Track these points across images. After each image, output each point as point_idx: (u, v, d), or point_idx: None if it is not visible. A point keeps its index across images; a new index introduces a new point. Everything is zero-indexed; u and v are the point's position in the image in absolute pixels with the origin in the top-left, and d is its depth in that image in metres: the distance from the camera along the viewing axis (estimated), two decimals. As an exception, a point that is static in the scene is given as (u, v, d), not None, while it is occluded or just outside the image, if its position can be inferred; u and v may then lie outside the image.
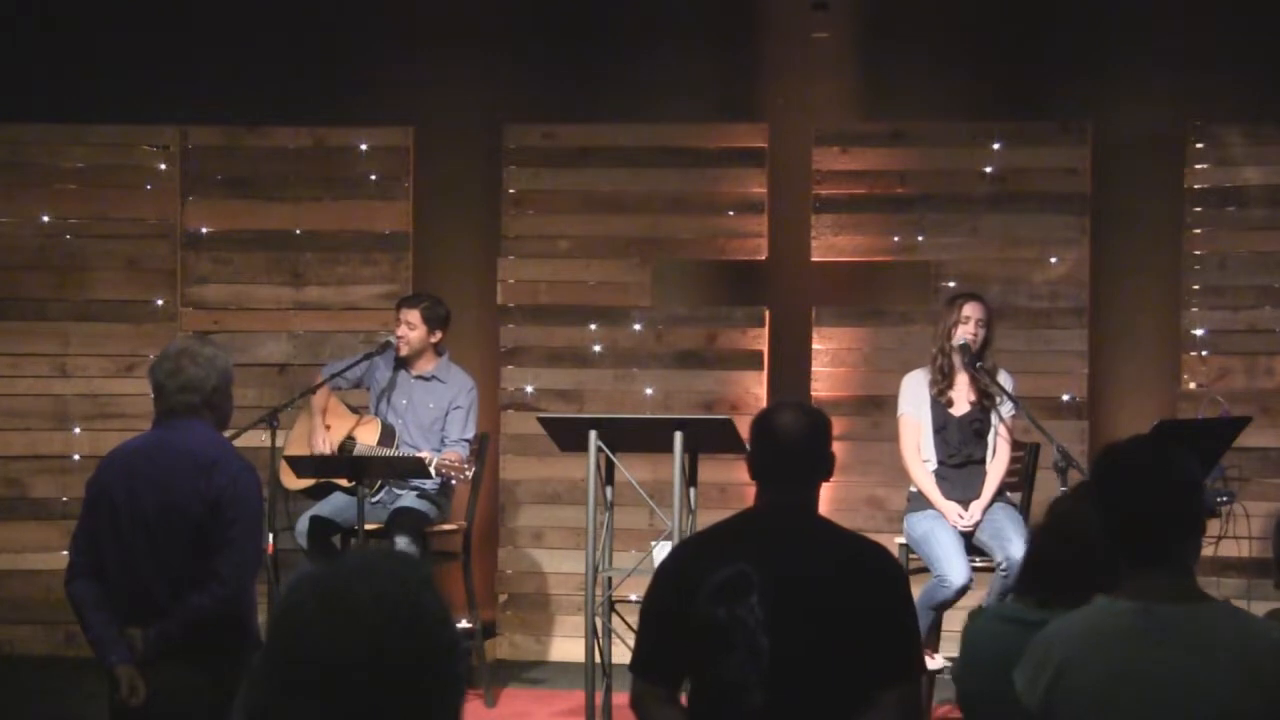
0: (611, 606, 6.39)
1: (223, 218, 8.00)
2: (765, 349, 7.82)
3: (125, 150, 8.02)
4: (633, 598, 6.52)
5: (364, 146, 7.98)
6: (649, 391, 7.85)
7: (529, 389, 7.90)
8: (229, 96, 8.00)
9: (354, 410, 7.14)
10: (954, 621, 6.86)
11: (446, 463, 6.55)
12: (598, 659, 6.20)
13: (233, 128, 7.99)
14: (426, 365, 7.08)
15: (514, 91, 8.04)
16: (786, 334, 7.83)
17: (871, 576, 3.73)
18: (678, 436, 6.03)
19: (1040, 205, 7.67)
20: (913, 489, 6.61)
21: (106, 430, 7.72)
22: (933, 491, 6.49)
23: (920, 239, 7.74)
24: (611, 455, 6.20)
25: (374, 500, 6.82)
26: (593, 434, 6.09)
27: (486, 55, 8.07)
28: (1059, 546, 3.54)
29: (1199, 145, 7.59)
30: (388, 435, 6.96)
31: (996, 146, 7.73)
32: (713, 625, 3.63)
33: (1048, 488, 6.54)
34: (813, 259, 7.80)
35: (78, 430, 7.96)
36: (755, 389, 7.78)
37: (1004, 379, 6.59)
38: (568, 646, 7.63)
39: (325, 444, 6.95)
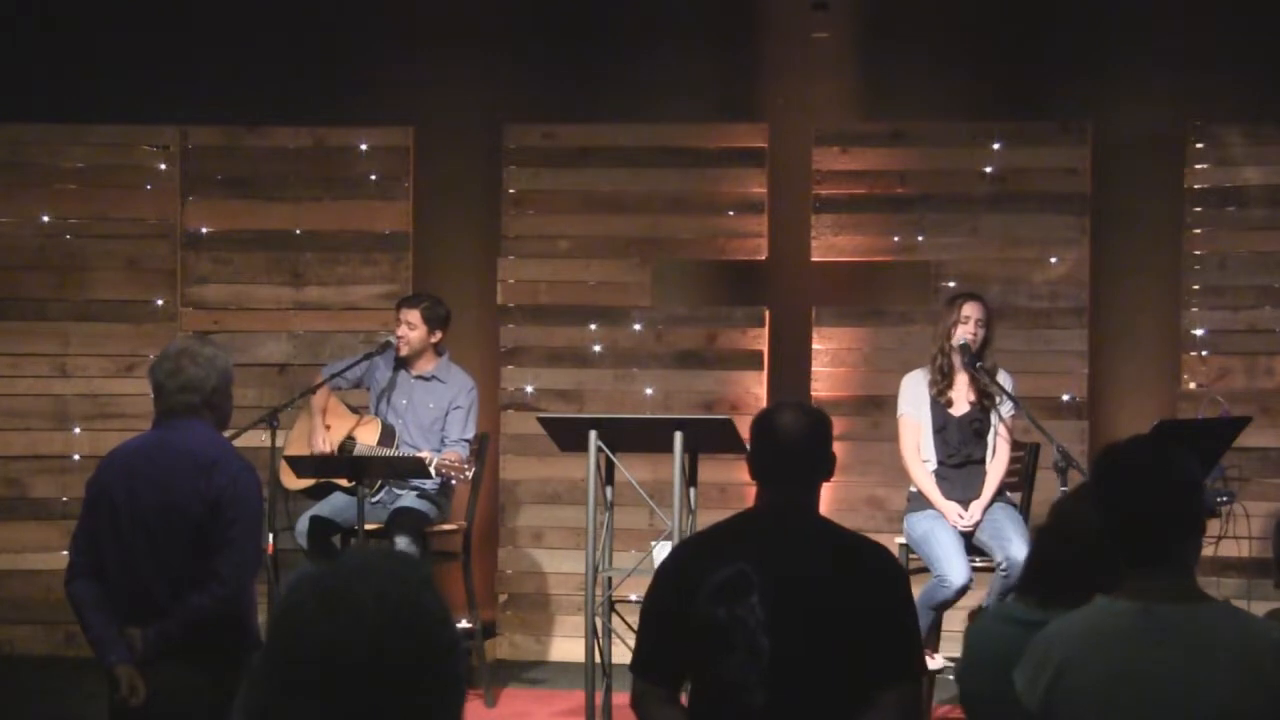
0: (611, 606, 6.39)
1: (223, 218, 8.00)
2: (765, 349, 7.82)
3: (125, 150, 8.02)
4: (633, 598, 6.52)
5: (364, 146, 7.98)
6: (649, 391, 7.85)
7: (529, 389, 7.90)
8: (229, 96, 8.00)
9: (354, 410, 7.14)
10: (954, 621, 6.87)
11: (446, 463, 6.55)
12: (598, 659, 6.20)
13: (233, 128, 7.99)
14: (426, 365, 7.08)
15: (514, 91, 8.04)
16: (786, 334, 7.83)
17: (872, 576, 3.73)
18: (678, 436, 6.03)
19: (1040, 205, 7.67)
20: (913, 489, 6.61)
21: (106, 430, 7.72)
22: (932, 491, 6.49)
23: (920, 239, 7.74)
24: (611, 455, 6.20)
25: (374, 500, 6.82)
26: (593, 434, 6.09)
27: (486, 55, 8.07)
28: (1061, 547, 3.54)
29: (1199, 145, 7.59)
30: (388, 435, 6.96)
31: (996, 146, 7.73)
32: (713, 625, 3.63)
33: (1048, 488, 6.54)
34: (813, 259, 7.80)
35: (78, 430, 7.96)
36: (755, 389, 7.78)
37: (1004, 379, 6.60)
38: (568, 646, 7.63)
39: (325, 444, 6.95)
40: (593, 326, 7.89)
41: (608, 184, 7.91)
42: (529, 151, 7.94)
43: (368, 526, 6.58)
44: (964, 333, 6.54)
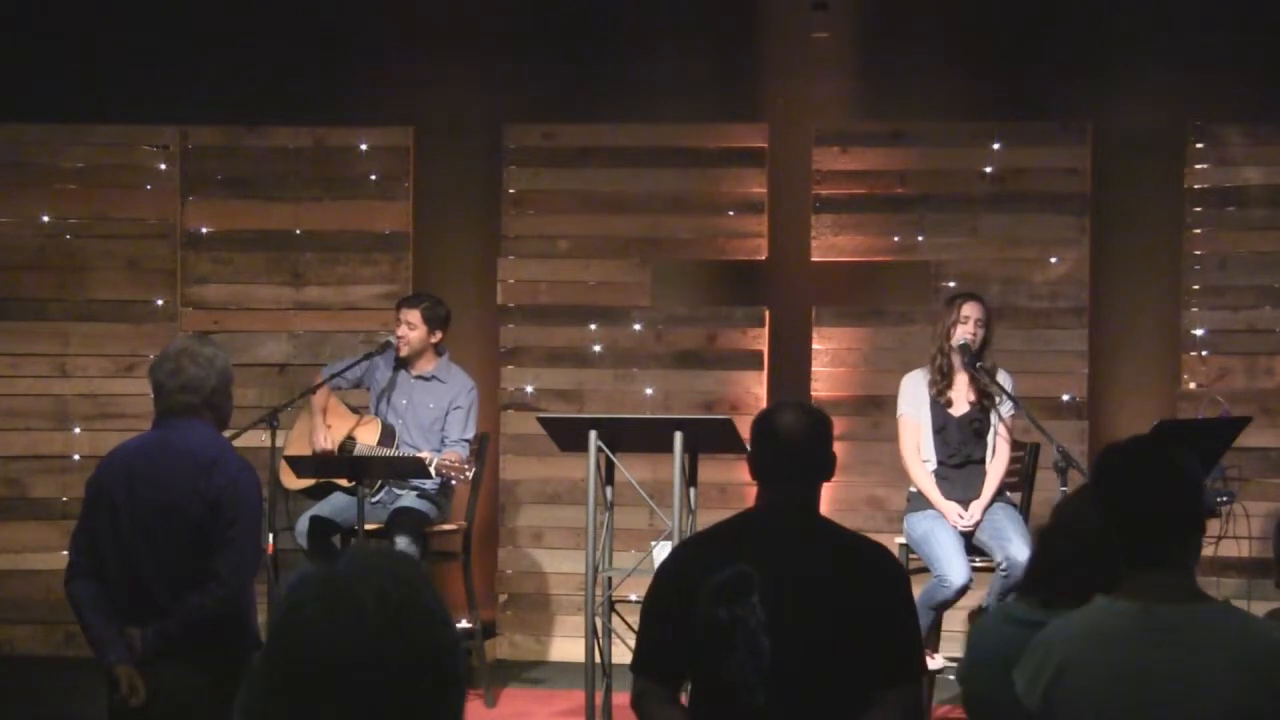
0: (611, 606, 6.39)
1: (223, 218, 8.00)
2: (765, 349, 7.82)
3: (125, 150, 8.02)
4: (633, 598, 6.52)
5: (364, 146, 7.98)
6: (649, 391, 7.85)
7: (529, 389, 7.90)
8: (229, 96, 8.00)
9: (354, 410, 7.14)
10: (954, 621, 6.88)
11: (446, 463, 6.55)
12: (598, 659, 6.20)
13: (233, 128, 7.99)
14: (426, 365, 7.08)
15: (514, 91, 8.04)
16: (786, 334, 7.83)
17: (872, 576, 3.73)
18: (678, 436, 6.03)
19: (1040, 205, 7.67)
20: (913, 489, 6.61)
21: (106, 430, 7.72)
22: (932, 492, 6.49)
23: (920, 239, 7.74)
24: (611, 455, 6.20)
25: (374, 500, 6.83)
26: (593, 434, 6.09)
27: (486, 55, 8.07)
28: (1064, 548, 3.54)
29: (1199, 145, 7.59)
30: (388, 435, 6.96)
31: (996, 146, 7.73)
32: (714, 625, 3.63)
33: (1048, 488, 6.55)
34: (813, 259, 7.80)
35: (78, 430, 7.96)
36: (755, 389, 7.78)
37: (1003, 379, 6.60)
38: (568, 646, 7.63)
39: (327, 440, 6.94)
40: (593, 326, 7.89)
41: (608, 184, 7.91)
42: (529, 151, 7.94)
43: (368, 526, 6.58)
44: (963, 333, 6.54)
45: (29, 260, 8.01)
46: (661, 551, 5.83)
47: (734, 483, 7.40)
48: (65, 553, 4.72)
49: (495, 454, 7.75)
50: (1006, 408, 6.55)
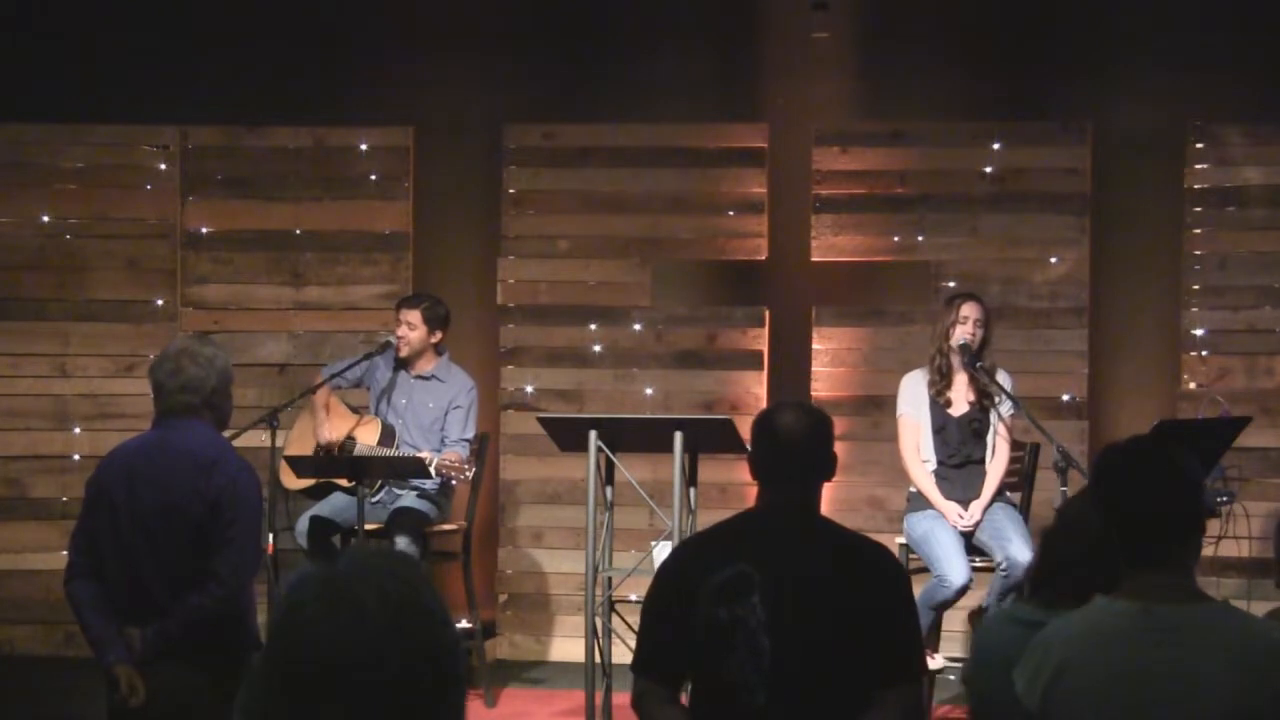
0: (611, 606, 6.39)
1: (223, 218, 8.00)
2: (765, 349, 7.82)
3: (125, 150, 8.02)
4: (633, 598, 6.52)
5: (364, 146, 7.98)
6: (649, 391, 7.85)
7: (529, 389, 7.90)
8: (229, 96, 8.00)
9: (354, 410, 7.15)
10: (954, 621, 6.88)
11: (446, 463, 6.55)
12: (598, 659, 6.19)
13: (233, 128, 7.99)
14: (426, 365, 7.08)
15: (514, 91, 8.04)
16: (786, 334, 7.83)
17: (872, 576, 3.73)
18: (678, 436, 6.02)
19: (1040, 205, 7.67)
20: (913, 489, 6.61)
21: (106, 430, 7.72)
22: (932, 492, 6.49)
23: (920, 239, 7.74)
24: (611, 455, 6.20)
25: (374, 500, 6.83)
26: (593, 434, 6.09)
27: (486, 55, 8.07)
28: (1066, 549, 3.54)
29: (1199, 145, 7.59)
30: (388, 435, 6.96)
31: (996, 146, 7.73)
32: (714, 625, 3.63)
33: (1048, 488, 6.55)
34: (813, 259, 7.80)
35: (78, 430, 7.96)
36: (755, 389, 7.78)
37: (1003, 379, 6.60)
38: (568, 646, 7.63)
39: (331, 432, 6.94)
40: (593, 326, 7.89)
41: (608, 184, 7.91)
42: (529, 151, 7.94)
43: (368, 526, 6.58)
44: (963, 333, 6.54)
45: (29, 260, 8.01)
46: (661, 551, 5.83)
47: (734, 483, 7.40)
48: (65, 553, 4.72)
49: (495, 454, 7.75)
50: (1006, 408, 6.55)
